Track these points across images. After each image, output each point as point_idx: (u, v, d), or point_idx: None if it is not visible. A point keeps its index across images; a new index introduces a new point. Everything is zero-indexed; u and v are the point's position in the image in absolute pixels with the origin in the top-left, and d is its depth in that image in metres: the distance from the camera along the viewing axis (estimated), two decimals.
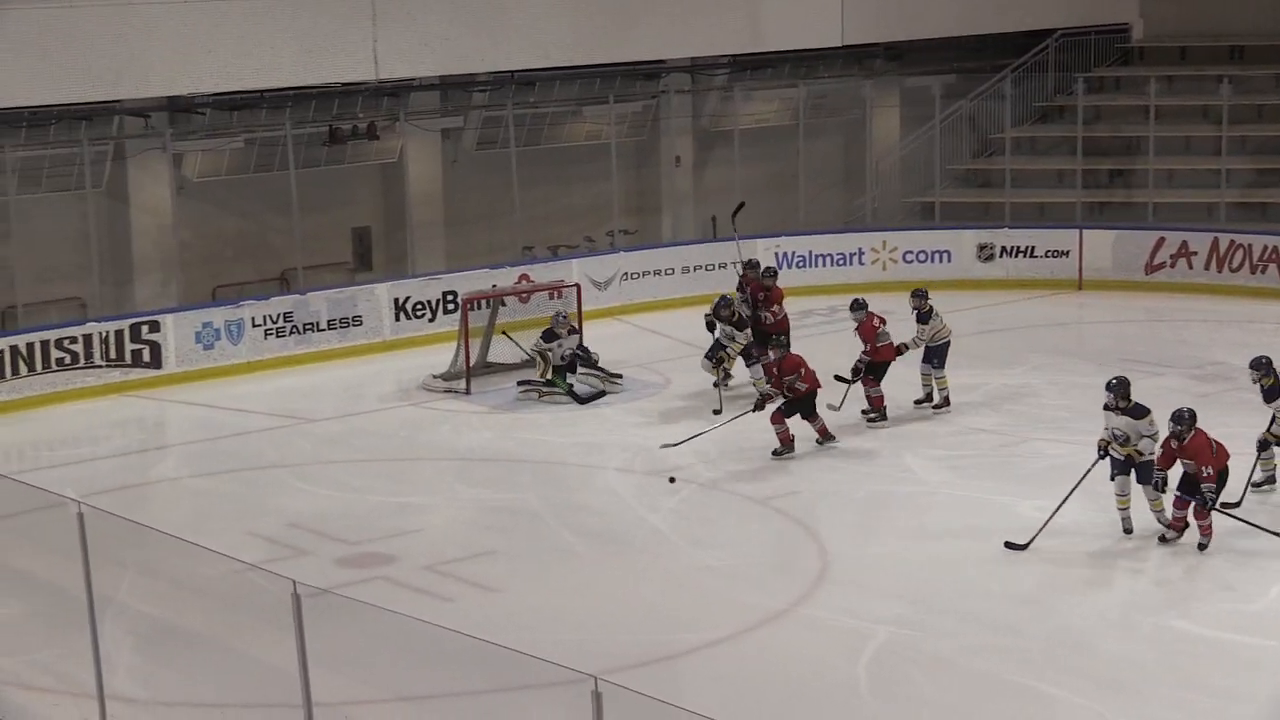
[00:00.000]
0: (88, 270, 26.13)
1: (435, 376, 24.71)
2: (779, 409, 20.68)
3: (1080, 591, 16.20)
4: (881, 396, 21.94)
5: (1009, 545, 17.05)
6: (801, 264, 30.62)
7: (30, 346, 24.33)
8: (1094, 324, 28.73)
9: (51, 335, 24.63)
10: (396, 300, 27.50)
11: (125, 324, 25.32)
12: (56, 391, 24.44)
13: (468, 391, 24.08)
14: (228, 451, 21.96)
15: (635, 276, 29.73)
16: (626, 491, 19.73)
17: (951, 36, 34.50)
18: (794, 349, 21.21)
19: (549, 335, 23.76)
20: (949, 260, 30.80)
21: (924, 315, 22.32)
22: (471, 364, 24.48)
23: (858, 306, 22.11)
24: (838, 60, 34.41)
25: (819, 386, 20.91)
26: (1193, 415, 16.71)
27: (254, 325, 26.17)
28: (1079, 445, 18.62)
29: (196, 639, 14.95)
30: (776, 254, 30.19)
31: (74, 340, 24.70)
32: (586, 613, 15.96)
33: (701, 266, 30.09)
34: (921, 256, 30.88)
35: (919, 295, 22.53)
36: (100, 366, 24.89)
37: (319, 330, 26.58)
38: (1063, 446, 20.04)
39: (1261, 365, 18.28)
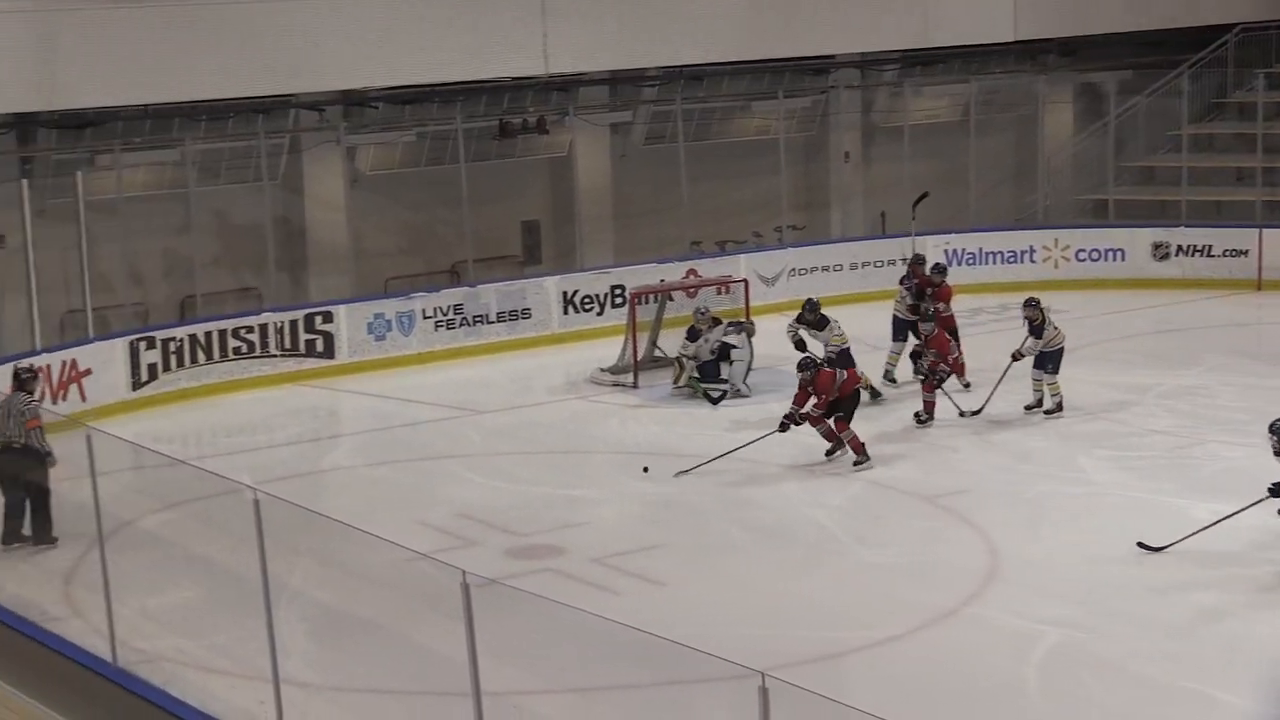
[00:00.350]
0: (264, 261, 26.54)
1: (603, 370, 24.82)
2: (839, 417, 20.22)
3: (1258, 599, 15.91)
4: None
5: (1142, 546, 16.78)
6: (971, 261, 30.39)
7: (208, 335, 24.77)
8: (1273, 325, 28.18)
9: (229, 325, 25.07)
10: (565, 293, 27.66)
11: (300, 314, 25.71)
12: (233, 380, 24.87)
13: (635, 385, 24.16)
14: (398, 441, 22.23)
15: (803, 272, 29.66)
16: (793, 487, 19.71)
17: (1127, 31, 34.04)
18: (963, 346, 21.08)
19: (693, 334, 23.76)
20: (1123, 259, 30.41)
21: (1037, 327, 21.89)
22: (639, 358, 24.56)
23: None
24: (1009, 56, 34.13)
25: (860, 386, 20.81)
26: None
27: (425, 317, 26.45)
28: (1255, 448, 18.28)
29: (368, 626, 15.14)
30: (946, 251, 30.00)
31: (250, 330, 25.11)
32: (753, 608, 15.96)
33: (870, 262, 29.96)
34: (1094, 255, 30.51)
35: (1032, 305, 22.11)
36: (275, 356, 25.28)
37: (488, 323, 26.81)
38: (1239, 449, 19.73)
39: None
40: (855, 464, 19.98)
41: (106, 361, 23.77)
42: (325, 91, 27.49)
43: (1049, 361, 21.96)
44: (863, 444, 20.03)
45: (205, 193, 26.29)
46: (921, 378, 21.82)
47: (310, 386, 25.10)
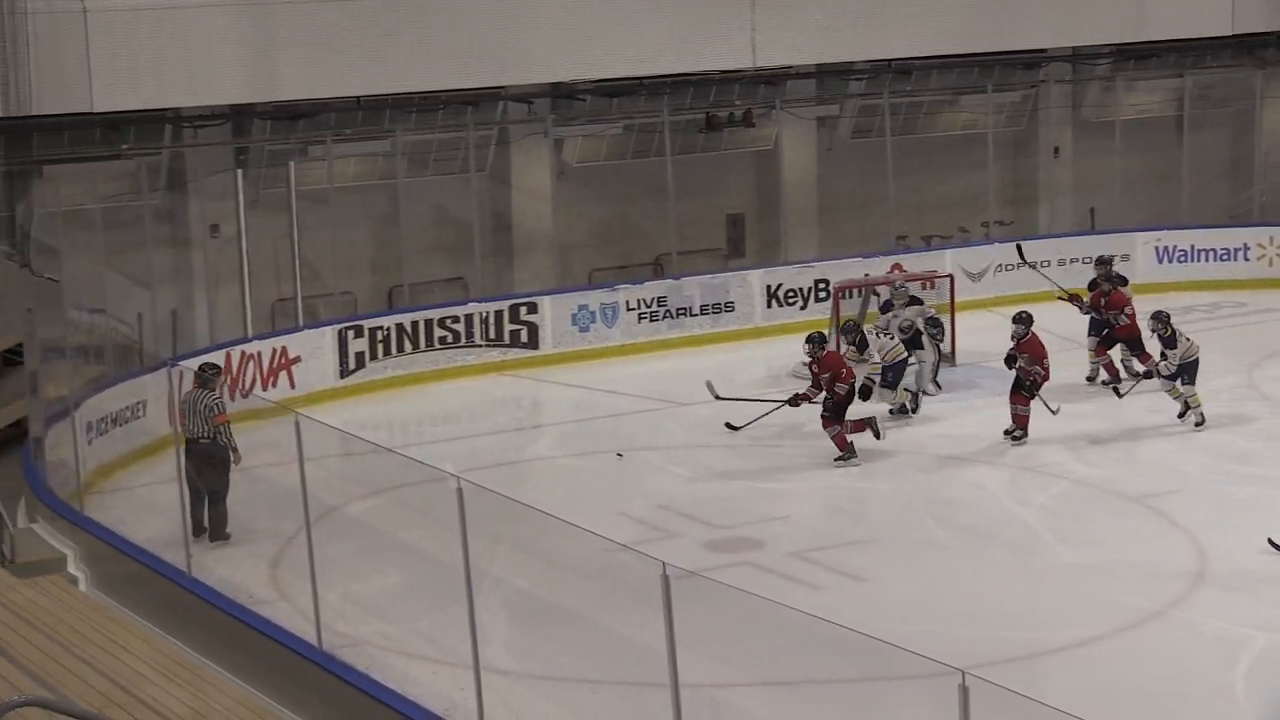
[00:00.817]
0: (470, 251, 26.81)
1: (805, 364, 24.69)
2: (823, 414, 20.12)
3: None
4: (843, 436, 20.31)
5: (1273, 543, 16.36)
6: (1183, 259, 29.80)
7: (415, 325, 25.07)
8: None
9: (435, 314, 25.35)
10: (769, 287, 27.59)
11: (505, 305, 25.92)
12: (438, 369, 25.13)
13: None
14: (600, 432, 22.34)
15: (1009, 268, 29.26)
16: (996, 486, 19.52)
17: None
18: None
19: (886, 306, 23.72)
20: None
21: (1169, 339, 21.26)
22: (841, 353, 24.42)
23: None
24: (1226, 50, 33.40)
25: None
26: None
27: (628, 309, 26.54)
28: None
29: (567, 615, 15.25)
30: (1156, 248, 29.51)
31: (456, 319, 25.37)
32: (953, 606, 15.83)
33: (1079, 259, 29.47)
34: None
35: (1160, 319, 21.44)
36: (480, 346, 25.52)
37: (691, 315, 26.82)
38: None
39: None
40: (835, 459, 20.12)
41: (316, 349, 24.17)
42: (534, 84, 27.71)
43: (1185, 373, 21.31)
44: (850, 442, 20.08)
45: (414, 183, 26.62)
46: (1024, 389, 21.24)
47: (514, 376, 25.30)
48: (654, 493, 19.49)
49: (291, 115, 26.17)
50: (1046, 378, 21.17)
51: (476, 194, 26.88)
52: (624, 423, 22.75)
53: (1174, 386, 21.35)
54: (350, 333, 24.57)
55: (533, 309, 26.01)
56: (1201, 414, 21.23)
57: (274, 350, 23.68)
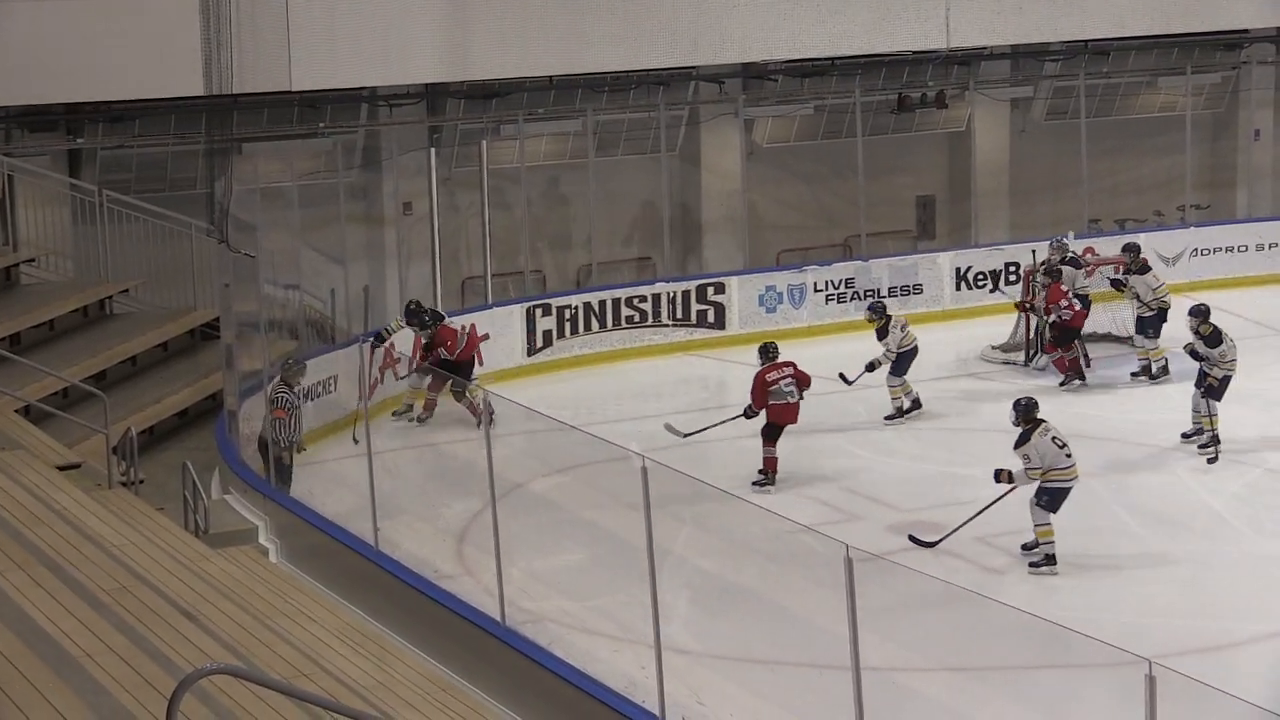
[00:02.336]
0: (658, 231, 26.88)
1: (994, 347, 24.53)
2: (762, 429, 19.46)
3: None
4: (774, 459, 19.36)
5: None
6: None
7: (602, 304, 25.20)
8: None
9: (623, 294, 25.46)
10: (958, 269, 27.36)
11: (692, 285, 25.97)
12: (625, 348, 25.25)
13: (1026, 363, 23.81)
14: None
15: (1205, 253, 28.78)
16: (1187, 473, 19.20)
17: None
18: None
19: (1044, 262, 23.90)
20: None
21: (1212, 338, 19.87)
22: (1031, 336, 24.19)
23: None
24: None
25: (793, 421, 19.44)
26: None
27: (816, 290, 26.46)
28: None
29: (749, 595, 15.26)
30: None
31: (643, 299, 25.46)
32: (1142, 594, 15.63)
33: (1278, 244, 28.92)
34: None
35: (1199, 315, 20.13)
36: (667, 325, 25.59)
37: (879, 297, 26.62)
38: None
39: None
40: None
41: (504, 327, 24.39)
42: (725, 64, 27.70)
43: (1213, 395, 19.79)
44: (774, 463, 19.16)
45: (604, 163, 26.74)
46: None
47: (700, 356, 25.33)
48: (838, 474, 19.43)
49: (484, 94, 26.43)
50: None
51: (666, 174, 26.95)
52: (810, 404, 22.61)
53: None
54: (538, 311, 24.75)
55: (720, 289, 26.02)
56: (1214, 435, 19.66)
57: (463, 327, 23.91)
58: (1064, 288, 22.80)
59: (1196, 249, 28.63)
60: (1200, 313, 20.04)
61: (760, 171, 28.56)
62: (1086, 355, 23.59)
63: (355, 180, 25.69)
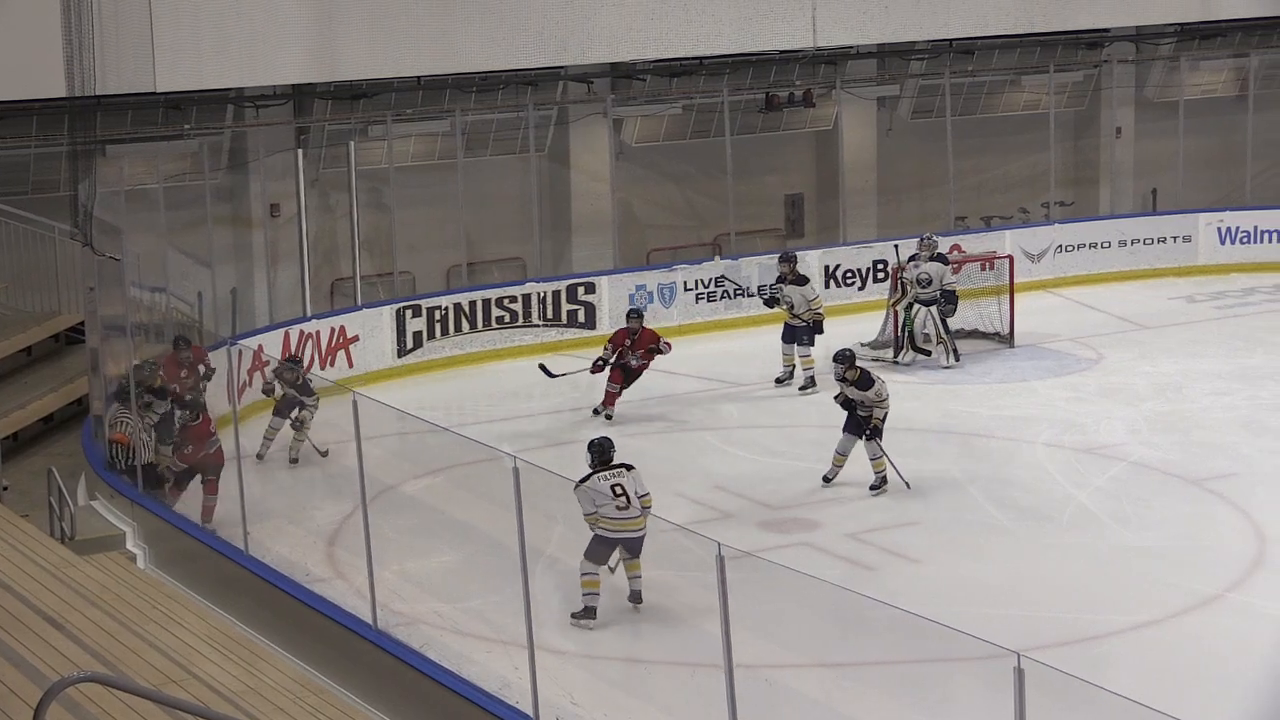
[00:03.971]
0: (528, 231, 26.85)
1: (864, 345, 24.67)
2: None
3: None
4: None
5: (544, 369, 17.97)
6: (1246, 240, 29.61)
7: (473, 304, 25.15)
8: None
9: (493, 294, 25.42)
10: (827, 267, 27.54)
11: (563, 285, 25.98)
12: (496, 349, 25.22)
13: (895, 361, 23.99)
14: (655, 413, 22.33)
15: (1070, 249, 29.17)
16: (1054, 467, 19.42)
17: None
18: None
19: (911, 258, 24.06)
20: None
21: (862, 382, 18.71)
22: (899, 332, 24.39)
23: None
24: None
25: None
26: None
27: (686, 289, 26.54)
28: None
29: (622, 595, 15.24)
30: (1219, 229, 29.37)
31: (514, 299, 25.45)
32: (1009, 588, 15.79)
33: (1140, 240, 29.36)
34: None
35: (844, 361, 18.87)
36: (538, 325, 25.57)
37: (749, 295, 26.78)
38: None
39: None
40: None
41: (374, 329, 24.28)
42: (594, 64, 27.69)
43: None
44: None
45: (473, 163, 26.66)
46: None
47: (571, 356, 25.29)
48: (710, 473, 19.50)
49: (352, 95, 26.25)
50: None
51: (535, 174, 26.91)
52: (679, 403, 22.75)
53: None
54: (408, 312, 24.66)
55: (590, 289, 26.04)
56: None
57: (332, 329, 23.80)
58: None
59: (1061, 245, 29.02)
60: (845, 359, 18.83)
61: (630, 171, 28.59)
62: (956, 350, 23.83)
63: (222, 182, 25.44)
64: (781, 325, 23.43)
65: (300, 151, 25.15)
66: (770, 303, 23.32)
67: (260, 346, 21.68)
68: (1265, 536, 16.82)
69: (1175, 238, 29.39)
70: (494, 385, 24.18)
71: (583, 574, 14.87)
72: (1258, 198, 31.01)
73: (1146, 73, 32.64)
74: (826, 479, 18.72)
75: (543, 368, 21.35)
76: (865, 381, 18.58)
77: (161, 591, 14.25)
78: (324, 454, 19.26)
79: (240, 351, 19.73)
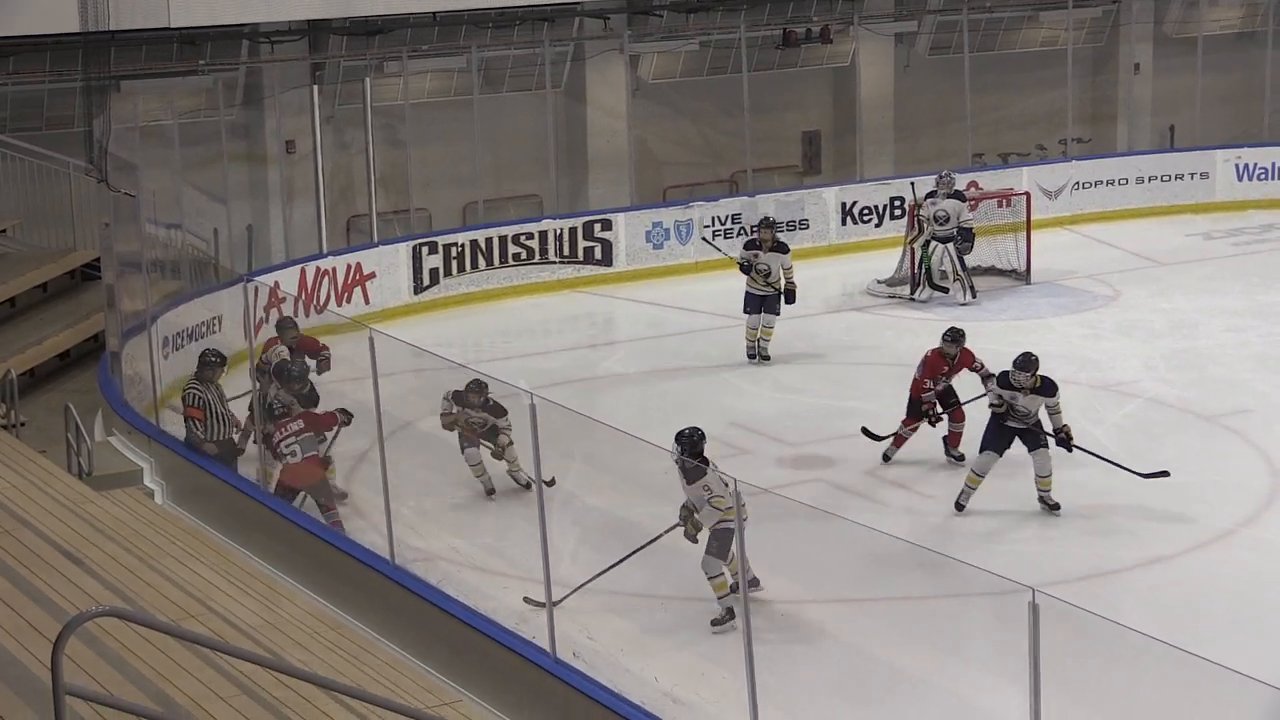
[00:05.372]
0: (545, 168, 26.79)
1: (880, 281, 24.67)
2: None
3: None
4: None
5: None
6: (1264, 176, 29.48)
7: (489, 241, 25.13)
8: None
9: (510, 231, 25.39)
10: (844, 204, 27.49)
11: (579, 222, 25.94)
12: (513, 285, 25.20)
13: (911, 297, 23.97)
14: (673, 350, 22.36)
15: (1087, 186, 29.07)
16: (1071, 404, 19.34)
17: None
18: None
19: (930, 194, 23.99)
20: None
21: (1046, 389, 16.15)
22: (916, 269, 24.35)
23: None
24: None
25: None
26: None
27: (703, 226, 26.49)
28: None
29: (639, 531, 15.25)
30: (1236, 165, 29.24)
31: (530, 236, 25.41)
32: (1025, 524, 15.79)
33: (1157, 177, 29.25)
34: None
35: (1028, 366, 15.96)
36: (554, 263, 25.55)
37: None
38: None
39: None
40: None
41: (390, 266, 24.27)
42: (610, 0, 27.59)
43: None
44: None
45: (489, 100, 26.59)
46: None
47: (588, 293, 25.33)
48: (727, 410, 19.50)
49: (368, 31, 26.18)
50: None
51: (552, 111, 26.84)
52: (696, 340, 22.75)
53: None
54: (425, 249, 24.65)
55: (607, 226, 26.01)
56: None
57: (349, 266, 23.80)
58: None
59: (1078, 183, 28.93)
60: (1030, 364, 15.89)
61: (646, 108, 28.51)
62: (972, 287, 23.79)
63: (237, 118, 25.40)
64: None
65: (315, 88, 25.09)
66: (746, 269, 21.25)
67: (276, 283, 21.69)
68: (1278, 472, 16.80)
69: (1192, 174, 29.25)
70: (511, 322, 24.19)
71: (711, 577, 13.55)
72: (1275, 134, 30.86)
73: (1165, 8, 32.45)
74: (959, 505, 15.93)
75: (866, 431, 17.70)
76: (1050, 386, 15.88)
77: (179, 527, 14.30)
78: (549, 483, 14.67)
79: (256, 288, 19.73)
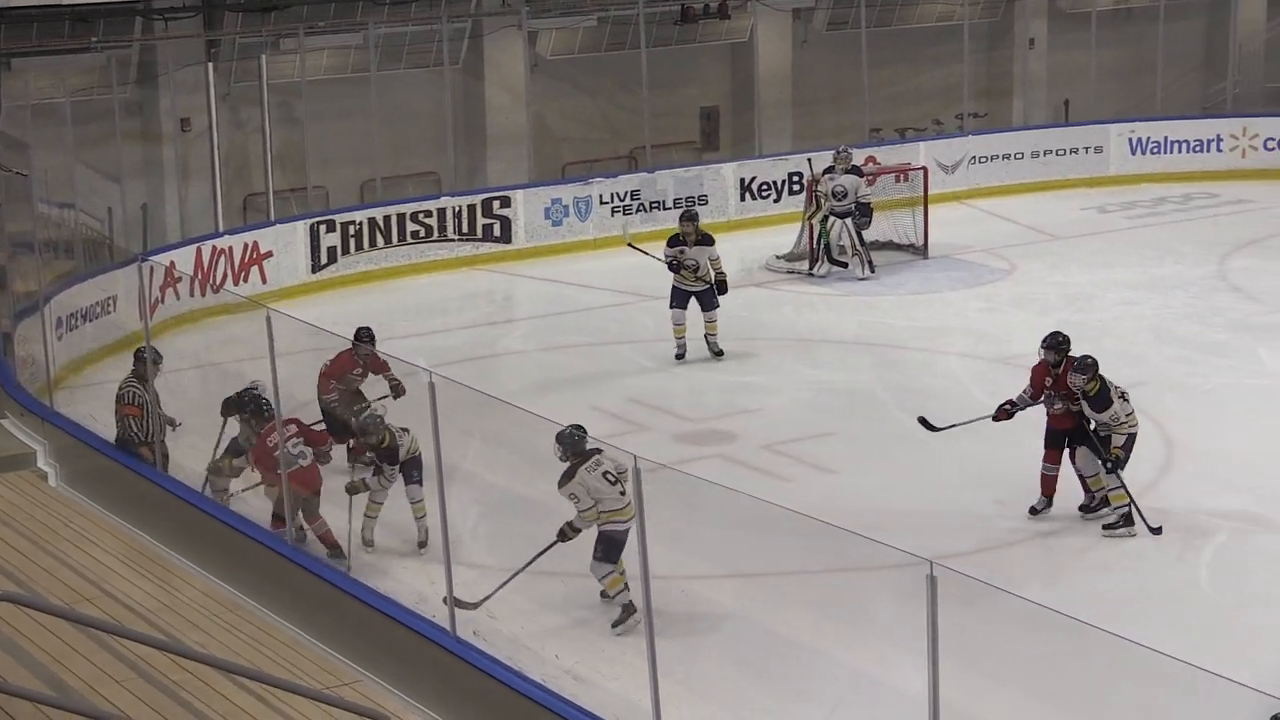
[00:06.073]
0: (443, 146, 26.68)
1: (778, 257, 24.75)
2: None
3: None
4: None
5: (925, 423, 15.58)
6: (1156, 150, 29.79)
7: (387, 219, 25.01)
8: None
9: (408, 209, 25.27)
10: (743, 180, 27.54)
11: (478, 199, 25.86)
12: (411, 263, 25.10)
13: (810, 272, 24.05)
14: (573, 326, 22.35)
15: (983, 160, 29.27)
16: (967, 377, 19.55)
17: None
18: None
19: (828, 170, 23.98)
20: None
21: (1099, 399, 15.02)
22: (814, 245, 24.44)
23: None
24: None
25: None
26: None
27: (602, 202, 26.49)
28: None
29: (539, 509, 15.24)
30: (1130, 140, 29.53)
31: (429, 214, 25.31)
32: (923, 497, 15.90)
33: (1052, 151, 29.49)
34: None
35: (1087, 369, 15.01)
36: (453, 240, 25.47)
37: (665, 209, 26.74)
38: None
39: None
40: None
41: (287, 244, 24.11)
42: None
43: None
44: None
45: (387, 77, 26.44)
46: None
47: (487, 271, 25.27)
48: (626, 386, 19.52)
49: (263, 8, 25.95)
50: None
51: (450, 88, 26.72)
52: (596, 316, 22.74)
53: None
54: (322, 227, 24.51)
55: (506, 203, 25.94)
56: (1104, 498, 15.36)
57: (245, 245, 23.61)
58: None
59: (974, 157, 29.12)
60: (1089, 367, 14.99)
61: (544, 84, 28.44)
62: (871, 262, 23.91)
63: (131, 96, 25.11)
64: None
65: (210, 65, 24.85)
66: (674, 267, 20.36)
67: (172, 263, 21.53)
68: (1173, 442, 16.99)
69: (1087, 148, 29.51)
70: (409, 300, 24.09)
71: (601, 578, 13.32)
72: (1168, 108, 31.17)
73: None
74: (1034, 510, 15.30)
75: (923, 421, 16.50)
76: (1104, 399, 14.93)
77: (74, 510, 14.17)
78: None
79: (151, 268, 19.55)
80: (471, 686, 11.85)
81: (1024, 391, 15.58)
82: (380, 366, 16.49)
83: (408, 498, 14.61)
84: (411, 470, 14.53)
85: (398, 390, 16.35)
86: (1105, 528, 14.87)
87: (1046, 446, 15.29)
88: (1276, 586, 13.82)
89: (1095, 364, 14.91)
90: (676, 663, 11.69)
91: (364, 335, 16.67)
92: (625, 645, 12.67)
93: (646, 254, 21.22)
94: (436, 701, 11.99)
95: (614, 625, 13.36)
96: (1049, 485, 15.26)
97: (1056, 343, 15.43)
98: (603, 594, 13.52)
